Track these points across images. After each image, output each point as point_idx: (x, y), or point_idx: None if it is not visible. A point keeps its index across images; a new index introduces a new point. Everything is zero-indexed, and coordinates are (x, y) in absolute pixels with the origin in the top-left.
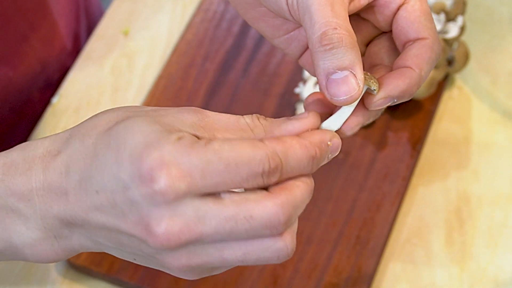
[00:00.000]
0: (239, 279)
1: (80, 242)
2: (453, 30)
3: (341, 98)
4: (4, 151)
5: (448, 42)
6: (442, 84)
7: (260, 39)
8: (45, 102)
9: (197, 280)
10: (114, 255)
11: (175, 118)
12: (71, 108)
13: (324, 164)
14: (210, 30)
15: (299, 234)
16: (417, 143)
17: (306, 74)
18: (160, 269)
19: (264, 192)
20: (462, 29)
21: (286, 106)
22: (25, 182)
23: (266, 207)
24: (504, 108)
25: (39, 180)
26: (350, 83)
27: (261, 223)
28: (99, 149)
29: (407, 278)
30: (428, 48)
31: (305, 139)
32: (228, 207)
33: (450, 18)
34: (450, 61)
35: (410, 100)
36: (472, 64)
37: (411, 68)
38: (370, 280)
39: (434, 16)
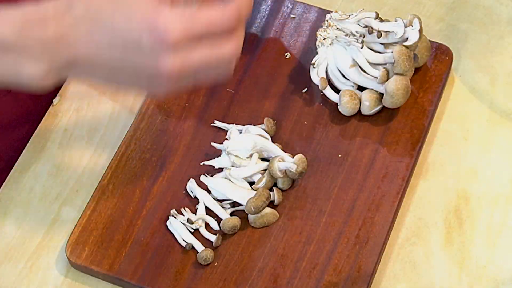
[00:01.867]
0: (239, 278)
1: (73, 76)
2: (413, 36)
3: None
4: (19, 6)
5: (411, 48)
6: (441, 85)
7: (260, 39)
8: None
9: (197, 279)
10: (102, 77)
11: None
12: (71, 108)
13: (324, 164)
14: None
15: (298, 233)
16: (416, 143)
17: None
18: (149, 81)
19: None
20: (421, 31)
21: (286, 106)
22: (41, 33)
23: (225, 11)
24: (503, 108)
25: (52, 31)
26: None
27: (224, 20)
28: (106, 12)
29: (407, 277)
30: None
31: None
32: (202, 52)
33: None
34: (414, 58)
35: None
36: (471, 65)
37: None
38: (370, 279)
39: (392, 24)
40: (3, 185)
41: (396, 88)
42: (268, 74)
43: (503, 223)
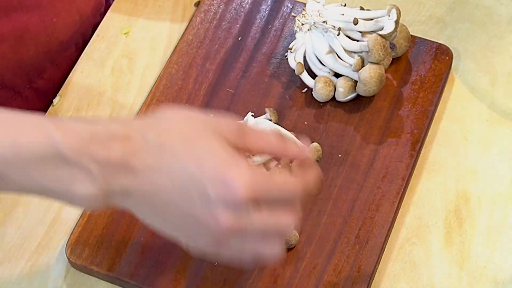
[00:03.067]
0: (239, 279)
1: (124, 207)
2: (388, 26)
3: None
4: (91, 119)
5: (386, 37)
6: (441, 85)
7: (260, 39)
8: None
9: (197, 279)
10: (150, 217)
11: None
12: (72, 109)
13: (324, 164)
14: (210, 30)
15: (298, 233)
16: (416, 143)
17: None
18: (198, 233)
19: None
20: (397, 22)
21: (286, 106)
22: (105, 154)
23: (287, 215)
24: (503, 108)
25: (117, 154)
26: None
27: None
28: (177, 151)
29: (406, 277)
30: None
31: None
32: (263, 218)
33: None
34: (392, 47)
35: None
36: (471, 64)
37: None
38: (370, 279)
39: (370, 13)
40: None
41: (369, 77)
42: (268, 74)
43: (503, 223)
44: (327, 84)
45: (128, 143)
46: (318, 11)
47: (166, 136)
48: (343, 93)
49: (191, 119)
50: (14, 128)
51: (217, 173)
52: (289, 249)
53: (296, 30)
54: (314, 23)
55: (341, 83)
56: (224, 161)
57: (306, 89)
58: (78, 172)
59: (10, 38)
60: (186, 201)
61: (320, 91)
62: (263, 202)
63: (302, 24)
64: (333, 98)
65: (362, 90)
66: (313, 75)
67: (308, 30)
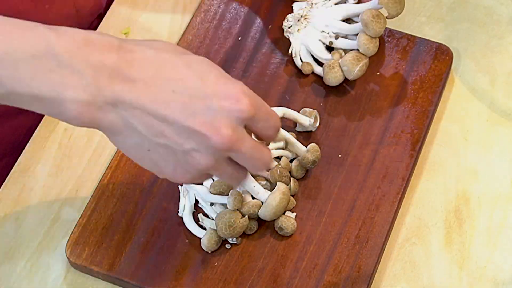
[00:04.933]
0: (239, 278)
1: (111, 121)
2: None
3: None
4: (85, 30)
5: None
6: (441, 85)
7: (260, 39)
8: None
9: (197, 279)
10: (127, 143)
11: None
12: None
13: (324, 164)
14: (210, 30)
15: (298, 233)
16: (416, 143)
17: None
18: (172, 166)
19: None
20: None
21: (286, 107)
22: (100, 58)
23: (268, 153)
24: (503, 108)
25: (112, 60)
26: None
27: (264, 161)
28: (179, 65)
29: (406, 277)
30: None
31: None
32: (255, 141)
33: None
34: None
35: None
36: (471, 64)
37: None
38: (370, 279)
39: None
40: (3, 185)
41: (368, 17)
42: (268, 74)
43: (503, 223)
44: (333, 67)
45: (124, 53)
46: (305, 15)
47: (164, 52)
48: (351, 64)
49: (183, 49)
50: (8, 29)
51: (221, 86)
52: (286, 237)
53: (287, 36)
54: (305, 27)
55: (346, 59)
56: (225, 77)
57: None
58: (70, 75)
59: None
60: (187, 115)
61: (327, 76)
62: (254, 127)
63: (290, 27)
64: (345, 79)
65: (369, 31)
66: (320, 63)
67: (297, 31)
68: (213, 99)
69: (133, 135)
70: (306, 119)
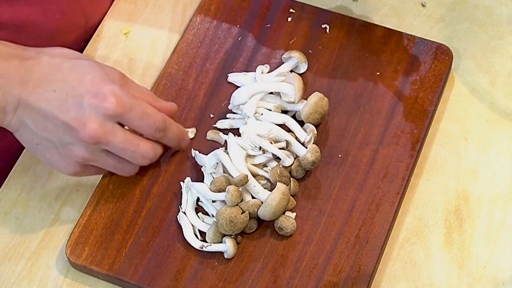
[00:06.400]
0: (239, 278)
1: (10, 121)
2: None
3: None
4: None
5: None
6: (441, 85)
7: (260, 39)
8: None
9: (197, 279)
10: (23, 139)
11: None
12: None
13: (324, 164)
14: (210, 30)
15: (298, 233)
16: (416, 143)
17: None
18: (57, 158)
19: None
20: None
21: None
22: (4, 65)
23: (146, 147)
24: (503, 108)
25: (15, 68)
26: None
27: (141, 153)
28: (65, 68)
29: (406, 277)
30: None
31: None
32: (129, 135)
33: None
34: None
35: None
36: (471, 65)
37: None
38: (370, 279)
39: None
40: (3, 185)
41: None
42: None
43: (503, 223)
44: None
45: (25, 60)
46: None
47: (58, 57)
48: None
49: (80, 55)
50: None
51: (94, 85)
52: (286, 237)
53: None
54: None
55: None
56: (102, 78)
57: None
58: None
59: (10, 26)
60: (62, 110)
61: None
62: (128, 125)
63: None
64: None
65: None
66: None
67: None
68: (85, 97)
69: (26, 131)
70: (304, 135)
